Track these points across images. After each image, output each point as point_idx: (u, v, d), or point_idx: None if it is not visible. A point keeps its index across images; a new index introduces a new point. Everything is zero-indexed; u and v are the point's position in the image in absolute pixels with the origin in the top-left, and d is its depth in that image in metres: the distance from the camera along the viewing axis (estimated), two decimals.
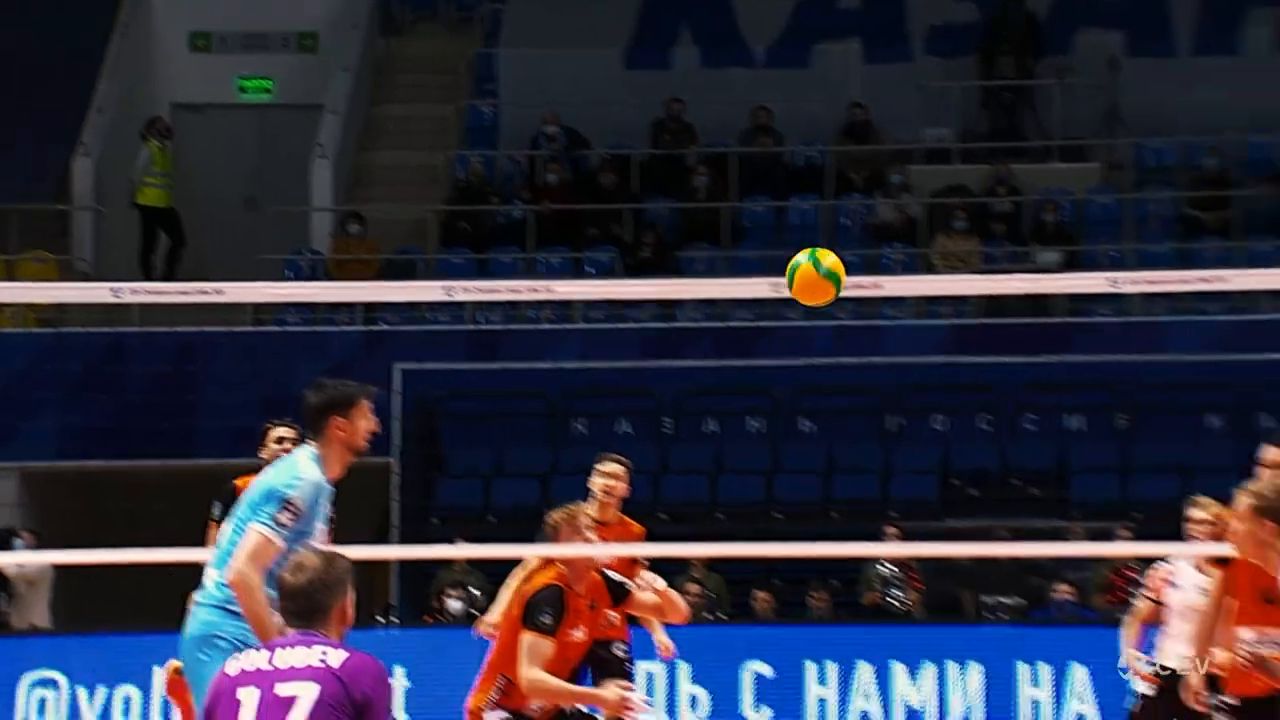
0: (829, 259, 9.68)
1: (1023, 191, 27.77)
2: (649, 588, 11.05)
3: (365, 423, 9.18)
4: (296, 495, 8.99)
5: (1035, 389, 24.89)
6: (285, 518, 8.91)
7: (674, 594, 11.27)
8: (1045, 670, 19.81)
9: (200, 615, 9.04)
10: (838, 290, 9.83)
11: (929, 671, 20.03)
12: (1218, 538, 12.09)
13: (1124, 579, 20.69)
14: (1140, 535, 18.44)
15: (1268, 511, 9.19)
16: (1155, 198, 27.73)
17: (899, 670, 20.10)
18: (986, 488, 24.32)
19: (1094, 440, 24.78)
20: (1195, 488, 19.57)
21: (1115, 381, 24.25)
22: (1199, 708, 11.36)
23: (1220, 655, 10.55)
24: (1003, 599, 22.38)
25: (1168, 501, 14.28)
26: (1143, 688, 13.09)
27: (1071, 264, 25.55)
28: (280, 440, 12.21)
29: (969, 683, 19.95)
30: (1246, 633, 10.50)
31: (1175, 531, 13.02)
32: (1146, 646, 13.01)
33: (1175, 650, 12.68)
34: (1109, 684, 14.83)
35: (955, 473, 24.75)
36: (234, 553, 8.95)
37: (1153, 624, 12.99)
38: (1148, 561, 13.19)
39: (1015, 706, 19.75)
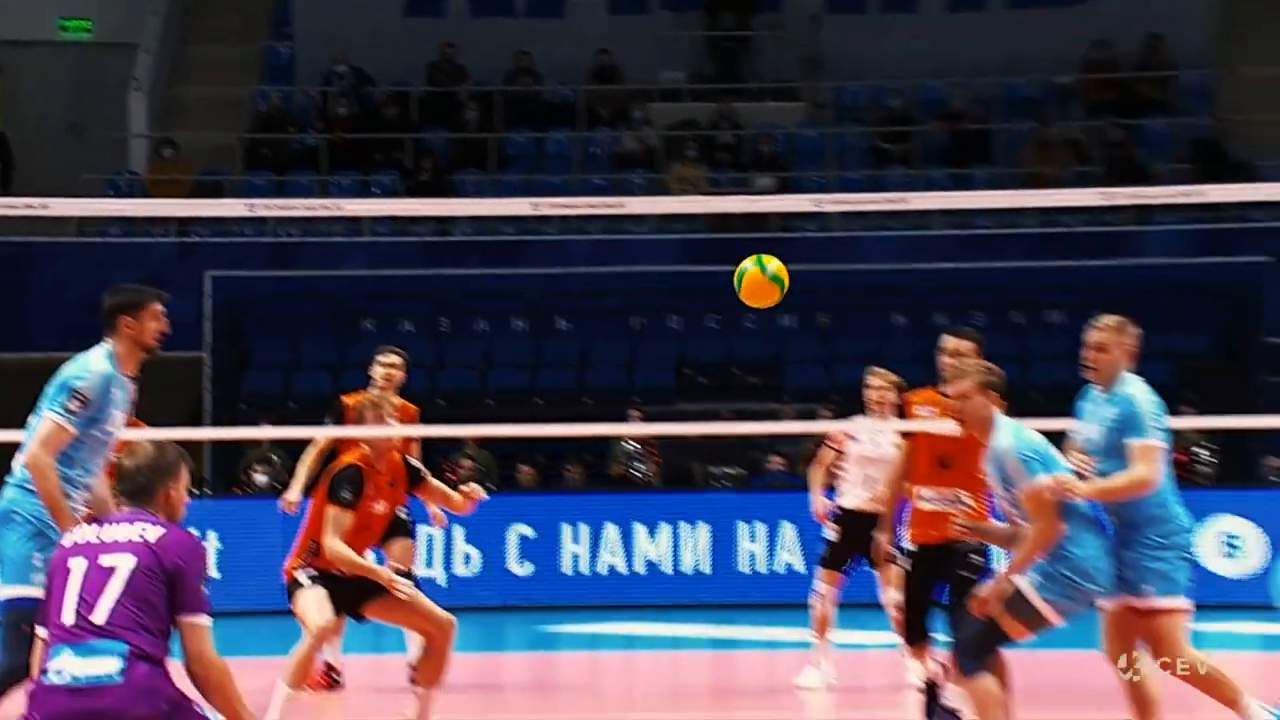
0: (773, 264, 9.66)
1: (743, 126, 27.87)
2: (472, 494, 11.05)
3: (154, 323, 9.00)
4: (84, 386, 8.81)
5: None
6: (74, 406, 8.76)
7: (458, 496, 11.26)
8: (761, 528, 20.10)
9: (5, 494, 8.89)
10: (782, 291, 9.75)
11: (665, 531, 20.22)
12: (884, 402, 12.69)
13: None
14: (839, 414, 18.57)
15: (990, 386, 9.24)
16: (851, 132, 27.98)
17: (640, 530, 20.29)
18: (713, 376, 24.54)
19: (802, 336, 24.99)
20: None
21: (819, 287, 24.41)
22: (883, 555, 11.56)
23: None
24: (726, 469, 22.68)
25: (860, 385, 14.46)
26: (830, 534, 13.25)
27: (783, 188, 25.72)
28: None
29: (698, 540, 20.20)
30: (925, 490, 10.64)
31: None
32: (829, 492, 13.26)
33: (853, 493, 12.99)
34: (812, 538, 14.96)
35: (688, 364, 24.99)
36: (30, 438, 8.82)
37: (835, 471, 13.24)
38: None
39: (736, 559, 20.04)
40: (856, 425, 13.03)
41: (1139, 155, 26.46)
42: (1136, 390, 9.21)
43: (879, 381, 12.81)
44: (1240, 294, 23.99)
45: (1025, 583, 8.85)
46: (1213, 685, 9.15)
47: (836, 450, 13.31)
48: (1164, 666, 9.07)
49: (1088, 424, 9.15)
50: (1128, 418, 9.14)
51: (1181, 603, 9.10)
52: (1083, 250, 24.81)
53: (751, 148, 27.49)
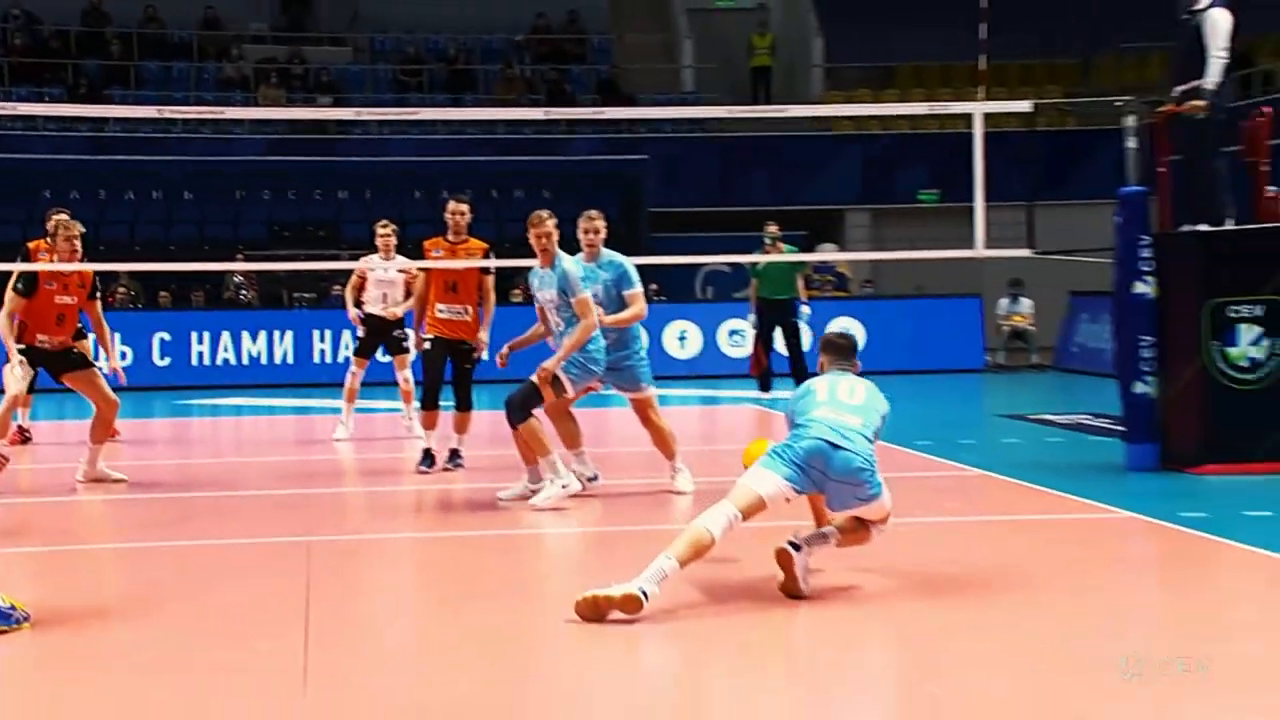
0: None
1: (308, 62, 26.78)
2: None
3: None
4: None
5: (320, 176, 24.40)
6: None
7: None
8: (329, 333, 19.63)
9: None
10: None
11: (262, 336, 19.64)
12: (388, 244, 12.40)
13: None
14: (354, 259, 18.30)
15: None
16: (382, 68, 27.18)
17: (245, 336, 19.63)
18: (295, 232, 23.75)
19: (353, 204, 24.27)
20: (409, 231, 19.14)
21: (364, 172, 24.05)
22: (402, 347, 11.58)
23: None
24: (305, 294, 22.15)
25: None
26: (360, 333, 12.96)
27: (337, 105, 24.87)
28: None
29: (285, 342, 19.66)
30: (440, 304, 10.43)
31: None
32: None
33: (374, 305, 12.80)
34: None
35: (277, 223, 24.05)
36: None
37: (360, 288, 12.91)
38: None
39: (311, 354, 19.64)
40: (372, 260, 12.71)
41: (567, 89, 26.56)
42: (617, 257, 9.27)
43: (384, 230, 12.53)
44: (632, 180, 24.37)
45: (558, 368, 8.81)
46: (663, 441, 9.41)
47: (362, 277, 12.98)
48: (651, 425, 9.33)
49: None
50: (621, 276, 9.21)
51: (653, 389, 9.35)
52: (535, 150, 24.89)
53: (315, 77, 26.49)
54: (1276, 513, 8.44)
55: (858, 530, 6.44)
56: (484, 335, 10.40)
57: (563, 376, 8.81)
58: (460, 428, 10.59)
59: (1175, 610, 6.19)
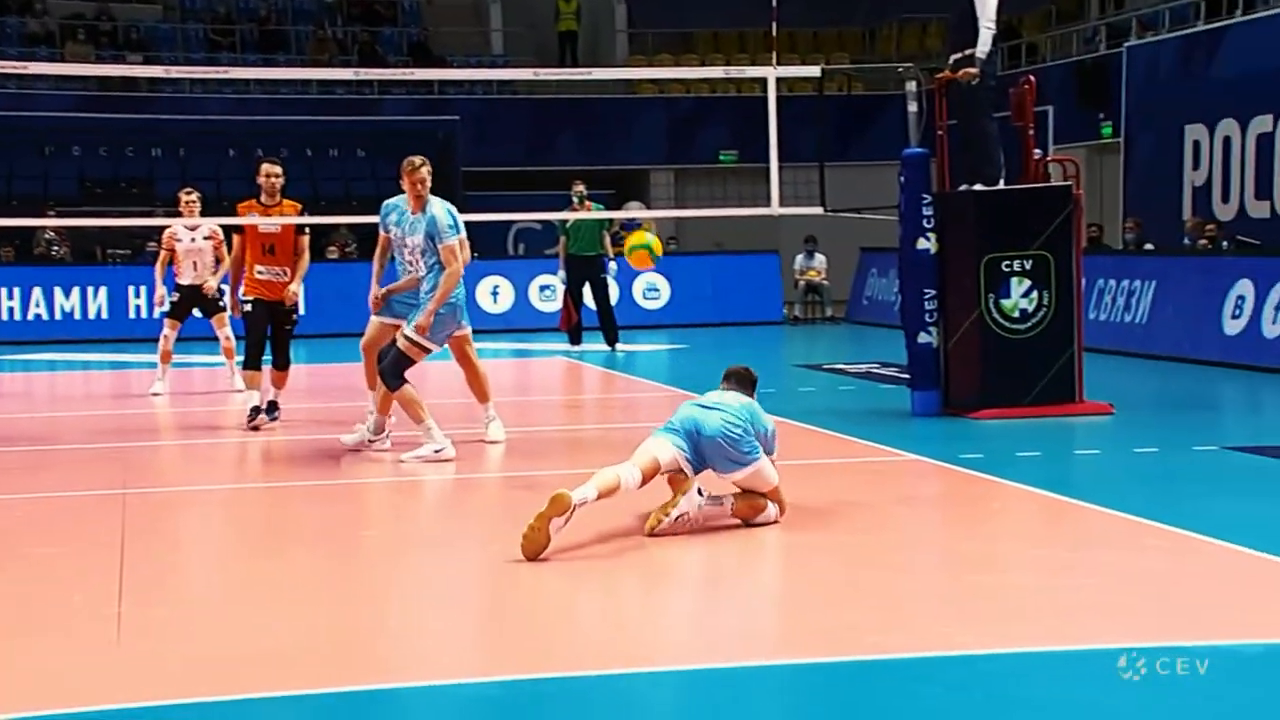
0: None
1: (117, 19, 25.74)
2: None
3: None
4: None
5: (133, 132, 23.45)
6: None
7: None
8: (144, 289, 18.95)
9: None
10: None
11: (75, 291, 18.98)
12: (193, 210, 12.06)
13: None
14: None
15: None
16: (194, 26, 26.25)
17: (58, 291, 18.98)
18: (107, 188, 22.83)
19: (167, 162, 23.52)
20: (224, 189, 18.51)
21: (177, 130, 23.31)
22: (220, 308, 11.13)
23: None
24: (120, 250, 21.38)
25: (210, 198, 13.94)
26: (174, 298, 12.57)
27: (148, 63, 23.94)
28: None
29: (100, 297, 19.08)
30: (259, 266, 10.15)
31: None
32: (169, 279, 12.54)
33: (187, 275, 12.40)
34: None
35: (88, 179, 23.15)
36: None
37: (169, 264, 12.55)
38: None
39: (127, 309, 19.02)
40: (179, 232, 12.32)
41: (379, 51, 26.04)
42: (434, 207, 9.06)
43: (189, 197, 12.19)
44: (445, 140, 24.04)
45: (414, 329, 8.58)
46: (478, 381, 9.28)
47: (170, 250, 12.56)
48: (469, 362, 9.17)
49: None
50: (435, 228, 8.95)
51: (470, 328, 9.19)
52: (348, 110, 24.38)
53: (125, 34, 25.45)
54: (1044, 452, 8.78)
55: (752, 501, 6.47)
56: (295, 287, 10.19)
57: (419, 337, 8.60)
58: (279, 383, 10.38)
59: (955, 545, 6.38)
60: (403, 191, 9.03)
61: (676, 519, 6.30)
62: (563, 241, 16.80)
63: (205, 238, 12.30)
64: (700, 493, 6.39)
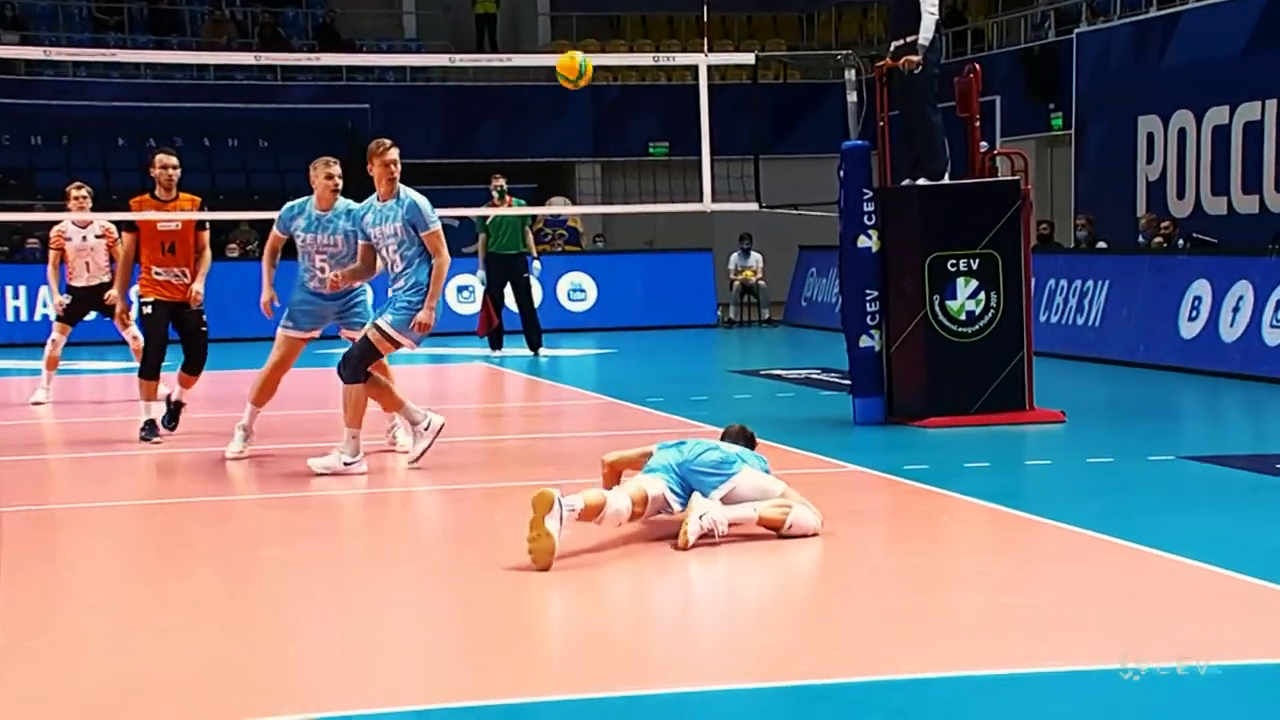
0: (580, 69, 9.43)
1: None
2: None
3: None
4: None
5: (11, 119, 23.06)
6: None
7: None
8: (23, 289, 18.77)
9: None
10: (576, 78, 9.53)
11: None
12: (84, 206, 12.03)
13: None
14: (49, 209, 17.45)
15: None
16: (77, 5, 25.88)
17: None
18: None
19: (49, 151, 23.22)
20: (113, 181, 18.29)
21: (60, 116, 23.08)
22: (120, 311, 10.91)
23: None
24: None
25: (98, 191, 13.72)
26: (65, 300, 12.36)
27: (25, 43, 23.58)
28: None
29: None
30: (156, 268, 10.02)
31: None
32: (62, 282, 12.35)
33: (80, 276, 12.23)
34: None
35: None
36: None
37: (61, 263, 12.35)
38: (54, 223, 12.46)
39: (4, 313, 18.68)
40: (68, 230, 12.14)
41: (281, 33, 25.82)
42: (355, 205, 9.09)
43: (79, 192, 12.09)
44: (354, 129, 23.88)
45: (388, 322, 8.47)
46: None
47: (60, 250, 12.36)
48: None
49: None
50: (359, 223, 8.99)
51: None
52: (249, 96, 24.15)
53: None
54: (994, 463, 8.85)
55: (775, 507, 6.56)
56: (198, 288, 10.06)
57: (394, 331, 8.49)
58: (186, 385, 10.27)
59: (900, 562, 6.41)
60: (309, 190, 9.02)
61: (701, 525, 6.40)
62: (482, 239, 16.73)
63: (98, 236, 12.10)
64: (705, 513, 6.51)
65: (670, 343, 18.74)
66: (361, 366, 8.50)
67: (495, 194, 16.42)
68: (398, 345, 8.60)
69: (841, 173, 10.62)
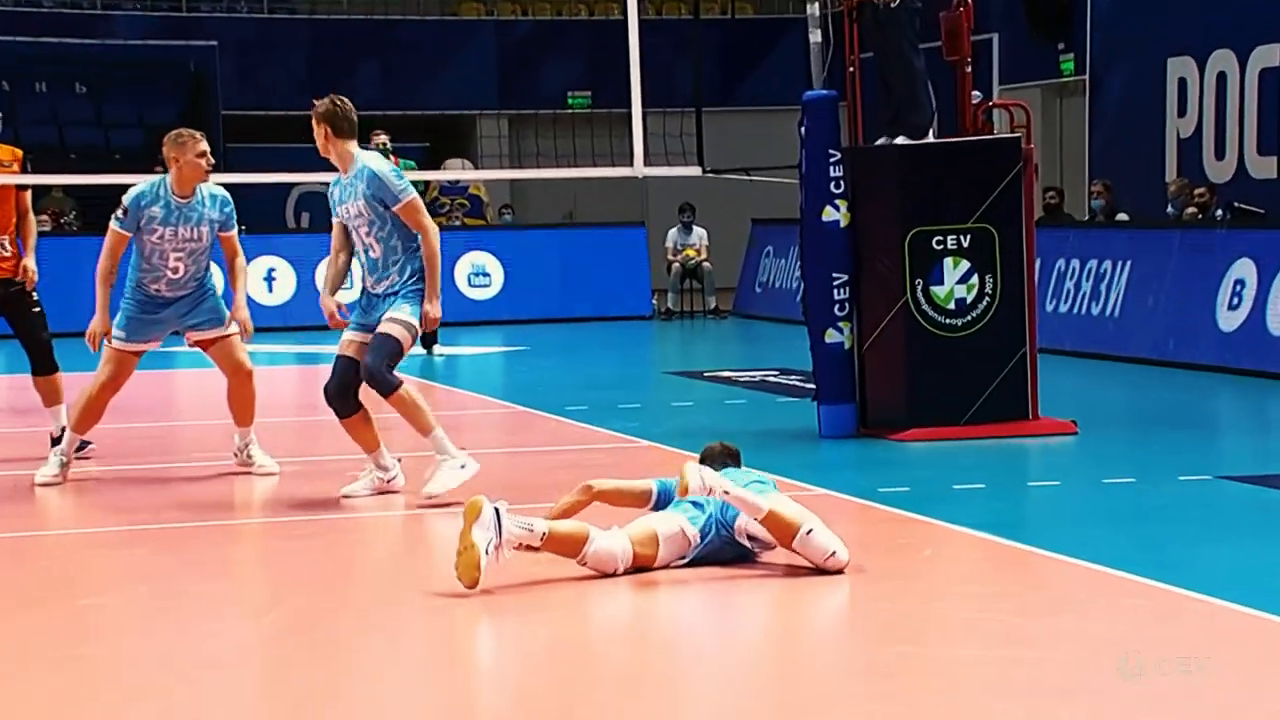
0: None
1: None
2: None
3: None
4: None
5: None
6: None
7: None
8: None
9: None
10: None
11: None
12: None
13: None
14: None
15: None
16: None
17: None
18: None
19: None
20: None
21: None
22: None
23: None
24: None
25: None
26: None
27: None
28: None
29: None
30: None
31: None
32: None
33: None
34: None
35: None
36: None
37: None
38: None
39: None
40: None
41: None
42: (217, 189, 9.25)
43: None
44: (198, 73, 23.73)
45: (409, 313, 8.37)
46: (249, 400, 9.34)
47: None
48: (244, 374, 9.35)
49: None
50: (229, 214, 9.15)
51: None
52: (64, 29, 23.90)
53: None
54: (989, 484, 8.92)
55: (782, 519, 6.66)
56: (30, 263, 9.97)
57: (418, 324, 8.43)
58: (52, 397, 10.09)
59: (876, 605, 6.45)
60: (154, 160, 8.95)
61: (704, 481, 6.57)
62: None
63: None
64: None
65: (595, 338, 18.74)
66: (392, 370, 8.38)
67: (377, 153, 16.31)
68: (417, 337, 8.57)
69: (803, 129, 10.66)
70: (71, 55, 23.54)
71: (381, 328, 8.36)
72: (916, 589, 6.68)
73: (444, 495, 8.22)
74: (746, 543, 6.72)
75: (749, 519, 6.65)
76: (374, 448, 8.57)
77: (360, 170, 8.45)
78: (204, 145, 9.12)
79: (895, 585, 6.73)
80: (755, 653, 5.77)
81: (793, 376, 13.79)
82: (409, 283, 8.43)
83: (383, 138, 16.46)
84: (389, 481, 8.61)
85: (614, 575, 6.49)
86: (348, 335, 8.54)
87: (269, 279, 20.02)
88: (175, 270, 9.13)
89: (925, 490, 8.56)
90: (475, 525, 6.21)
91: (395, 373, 8.37)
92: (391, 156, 16.49)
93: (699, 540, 6.67)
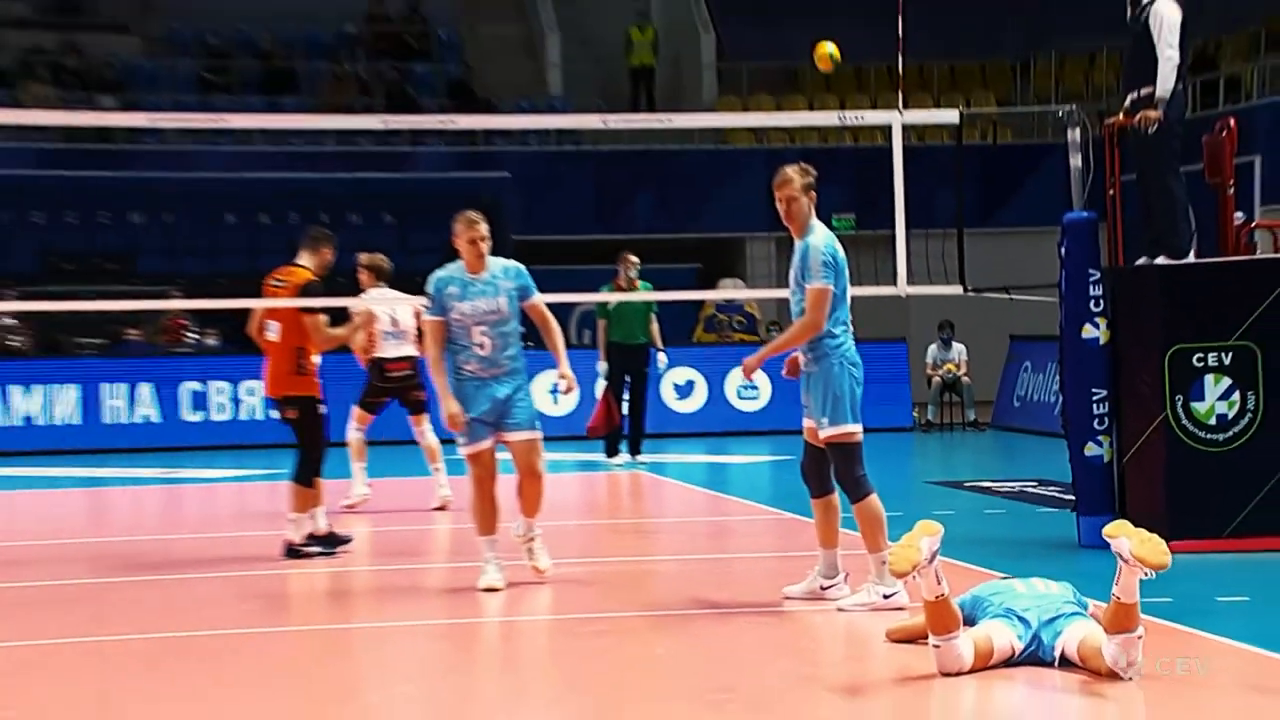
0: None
1: (86, 55, 26.43)
2: None
3: None
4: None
5: (108, 194, 23.98)
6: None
7: None
8: (123, 388, 19.56)
9: None
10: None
11: (39, 390, 19.59)
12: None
13: (178, 325, 21.03)
14: (186, 295, 18.03)
15: (808, 188, 9.02)
16: (181, 63, 27.00)
17: (15, 390, 19.57)
18: (76, 263, 23.32)
19: (151, 232, 24.05)
20: (220, 263, 18.94)
21: (163, 191, 23.78)
22: None
23: None
24: (91, 340, 21.79)
25: (204, 274, 14.22)
26: None
27: (125, 108, 24.58)
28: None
29: (67, 397, 19.56)
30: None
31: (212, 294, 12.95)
32: None
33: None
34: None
35: (52, 253, 23.68)
36: None
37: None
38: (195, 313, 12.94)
39: (101, 412, 19.46)
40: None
41: (410, 92, 26.57)
42: (510, 262, 9.32)
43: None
44: (491, 202, 24.33)
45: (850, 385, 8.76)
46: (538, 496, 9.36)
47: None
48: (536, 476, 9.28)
49: (489, 298, 9.02)
50: (525, 283, 9.24)
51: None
52: (371, 165, 24.83)
53: (97, 73, 26.11)
54: (1254, 597, 8.64)
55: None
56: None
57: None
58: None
59: (1148, 714, 6.29)
60: (456, 257, 9.15)
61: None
62: (602, 326, 16.91)
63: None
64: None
65: None
66: (861, 469, 8.52)
67: (626, 276, 16.46)
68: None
69: (1063, 250, 10.58)
70: (382, 190, 24.34)
71: (834, 431, 9.00)
72: (1181, 702, 6.49)
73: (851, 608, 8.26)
74: (1056, 660, 6.62)
75: (1069, 640, 6.59)
76: (878, 547, 8.47)
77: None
78: (473, 232, 9.03)
79: (1161, 697, 6.55)
80: None
81: (1051, 487, 13.57)
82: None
83: (633, 260, 16.47)
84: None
85: (944, 675, 6.46)
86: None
87: (553, 391, 20.25)
88: (480, 346, 9.05)
89: (1188, 602, 8.32)
90: (926, 536, 6.54)
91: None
92: (633, 280, 16.47)
93: (1018, 654, 6.69)
